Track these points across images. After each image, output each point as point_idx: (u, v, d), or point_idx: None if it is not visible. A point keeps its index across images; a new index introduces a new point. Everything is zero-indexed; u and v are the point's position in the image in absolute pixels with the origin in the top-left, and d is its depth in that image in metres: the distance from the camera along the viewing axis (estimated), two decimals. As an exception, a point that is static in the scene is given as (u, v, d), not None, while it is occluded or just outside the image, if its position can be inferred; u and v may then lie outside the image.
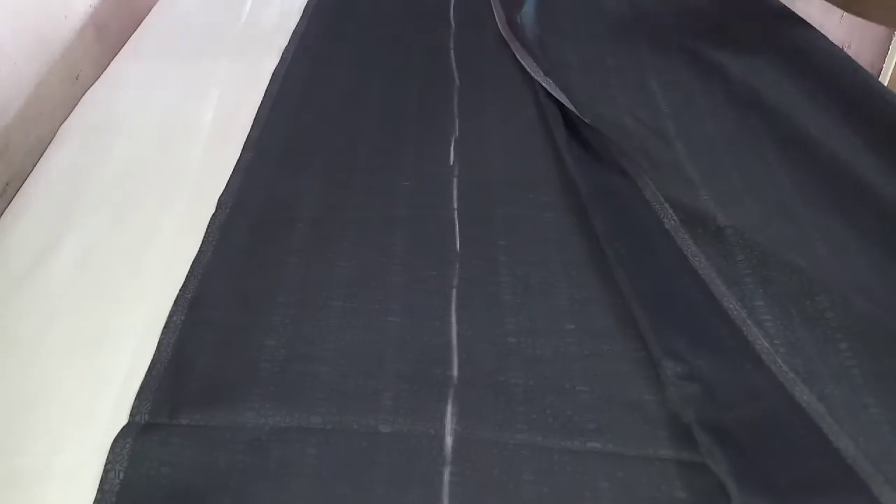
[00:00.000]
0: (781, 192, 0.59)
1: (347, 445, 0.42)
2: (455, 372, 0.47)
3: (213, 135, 0.70)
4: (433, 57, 0.82)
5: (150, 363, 0.48)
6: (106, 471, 0.41)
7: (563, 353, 0.48)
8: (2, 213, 0.64)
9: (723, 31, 0.83)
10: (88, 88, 0.79)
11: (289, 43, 0.85)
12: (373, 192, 0.62)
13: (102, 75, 0.81)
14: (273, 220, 0.59)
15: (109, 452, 0.42)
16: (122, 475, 0.41)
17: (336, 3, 0.95)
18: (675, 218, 0.55)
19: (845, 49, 0.93)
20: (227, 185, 0.63)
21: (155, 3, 0.98)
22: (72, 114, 0.75)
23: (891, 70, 0.87)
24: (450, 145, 0.67)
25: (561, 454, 0.42)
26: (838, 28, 0.95)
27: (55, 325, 0.51)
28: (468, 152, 0.66)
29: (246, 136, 0.69)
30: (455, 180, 0.63)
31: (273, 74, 0.79)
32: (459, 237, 0.57)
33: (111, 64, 0.84)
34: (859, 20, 0.90)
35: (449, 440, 0.43)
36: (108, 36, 0.95)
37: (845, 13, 0.93)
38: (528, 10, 0.88)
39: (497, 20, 0.87)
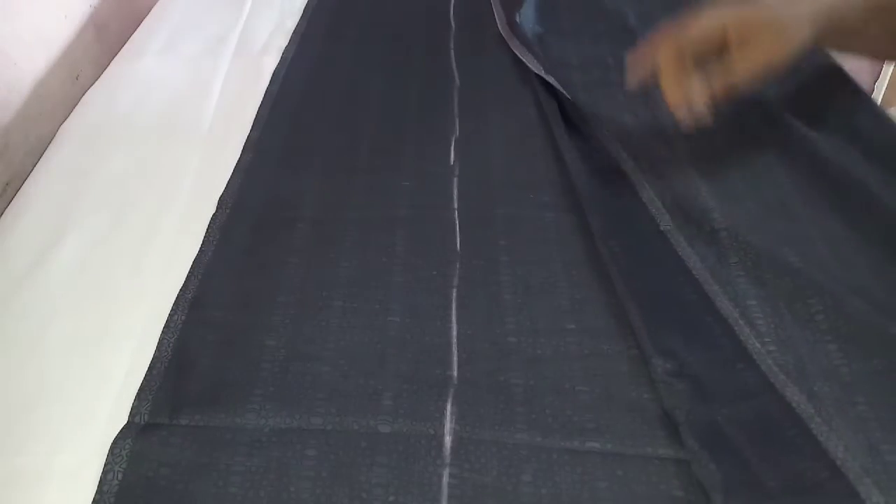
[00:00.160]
0: (781, 190, 0.59)
1: (347, 446, 0.42)
2: (455, 372, 0.47)
3: (213, 135, 0.70)
4: (433, 57, 0.82)
5: (150, 363, 0.48)
6: (105, 471, 0.41)
7: (564, 352, 0.48)
8: (2, 213, 0.64)
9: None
10: (88, 88, 0.79)
11: (289, 43, 0.85)
12: (373, 192, 0.62)
13: (102, 75, 0.81)
14: (274, 220, 0.59)
15: (109, 453, 0.42)
16: (120, 476, 0.41)
17: (336, 3, 0.95)
18: (671, 221, 0.56)
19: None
20: (227, 185, 0.63)
21: (155, 3, 0.98)
22: (72, 114, 0.75)
23: (891, 70, 0.88)
24: (450, 145, 0.67)
25: (560, 454, 0.42)
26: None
27: (55, 325, 0.51)
28: (469, 152, 0.66)
29: (246, 136, 0.69)
30: (455, 180, 0.63)
31: (273, 74, 0.79)
32: (460, 237, 0.57)
33: (111, 64, 0.83)
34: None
35: (448, 440, 0.43)
36: (108, 36, 0.95)
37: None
38: (528, 10, 0.88)
39: (497, 20, 0.87)
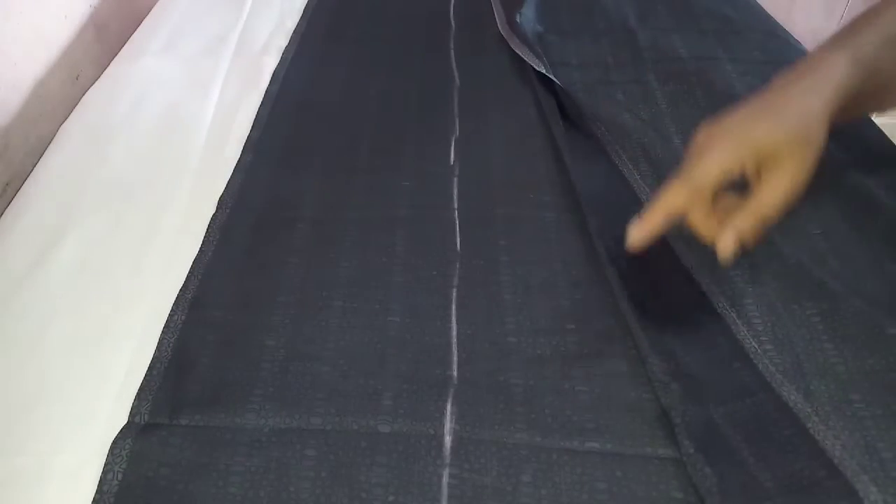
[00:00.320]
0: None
1: (347, 446, 0.42)
2: (455, 372, 0.47)
3: (213, 135, 0.70)
4: (433, 57, 0.82)
5: (150, 363, 0.48)
6: (105, 471, 0.41)
7: (564, 352, 0.48)
8: (2, 213, 0.64)
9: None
10: (88, 88, 0.79)
11: (289, 43, 0.85)
12: (373, 192, 0.62)
13: (102, 75, 0.81)
14: (274, 220, 0.59)
15: (109, 453, 0.42)
16: (120, 476, 0.41)
17: (336, 3, 0.95)
18: None
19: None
20: (227, 185, 0.63)
21: (155, 3, 0.98)
22: (72, 114, 0.75)
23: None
24: (450, 145, 0.67)
25: (560, 454, 0.42)
26: (838, 28, 0.95)
27: (55, 325, 0.51)
28: (469, 152, 0.66)
29: (246, 136, 0.69)
30: (455, 180, 0.63)
31: (273, 74, 0.79)
32: (460, 237, 0.57)
33: (111, 64, 0.83)
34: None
35: (448, 440, 0.43)
36: (108, 36, 0.95)
37: (845, 14, 0.93)
38: (528, 10, 0.88)
39: (497, 19, 0.87)
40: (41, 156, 0.70)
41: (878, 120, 0.68)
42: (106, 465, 0.41)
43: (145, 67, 0.82)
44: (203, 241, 0.57)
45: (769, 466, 0.40)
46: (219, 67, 0.81)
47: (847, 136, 0.62)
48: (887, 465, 0.39)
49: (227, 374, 0.47)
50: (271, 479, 0.41)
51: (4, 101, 0.74)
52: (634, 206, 0.59)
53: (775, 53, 0.80)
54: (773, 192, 0.44)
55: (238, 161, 0.66)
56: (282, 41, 0.86)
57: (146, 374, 0.47)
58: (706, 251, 0.53)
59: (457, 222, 0.58)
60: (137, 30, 0.91)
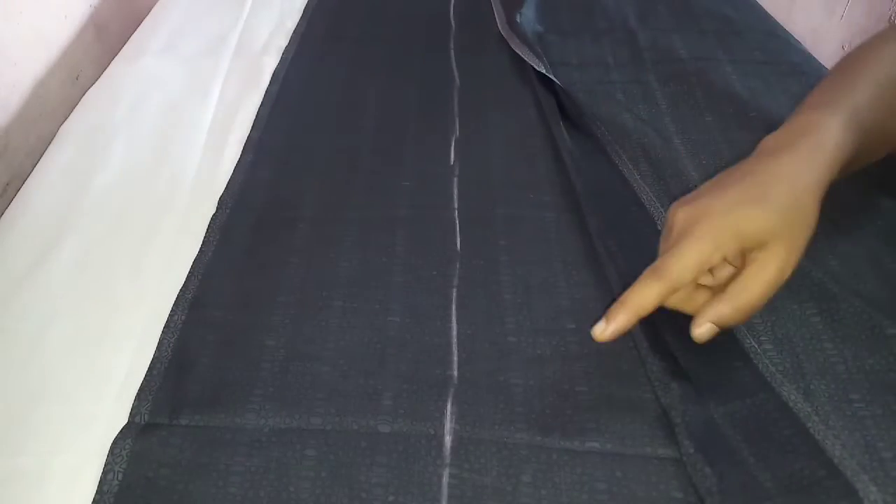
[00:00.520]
0: None
1: (347, 446, 0.42)
2: (455, 371, 0.47)
3: (213, 135, 0.71)
4: (433, 57, 0.82)
5: (151, 363, 0.48)
6: (105, 472, 0.41)
7: (564, 352, 0.48)
8: (2, 214, 0.64)
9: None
10: (88, 89, 0.79)
11: (289, 43, 0.85)
12: (373, 192, 0.62)
13: (102, 75, 0.81)
14: (274, 220, 0.59)
15: (109, 453, 0.42)
16: (120, 476, 0.41)
17: (336, 3, 0.95)
18: None
19: (843, 49, 0.93)
20: (227, 185, 0.63)
21: (155, 3, 0.98)
22: (72, 114, 0.75)
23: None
24: (450, 145, 0.67)
25: (560, 454, 0.42)
26: (838, 28, 0.95)
27: (55, 325, 0.51)
28: (469, 152, 0.66)
29: (246, 136, 0.69)
30: (455, 180, 0.63)
31: (273, 74, 0.79)
32: (460, 237, 0.57)
33: (111, 64, 0.83)
34: (859, 20, 0.90)
35: (448, 440, 0.43)
36: (108, 36, 0.95)
37: (844, 14, 0.93)
38: (528, 9, 0.88)
39: (497, 19, 0.87)
40: (41, 156, 0.70)
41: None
42: (106, 465, 0.41)
43: (145, 67, 0.82)
44: (203, 241, 0.57)
45: (769, 466, 0.40)
46: (219, 67, 0.81)
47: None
48: (887, 465, 0.39)
49: (227, 374, 0.47)
50: (271, 479, 0.41)
51: (4, 101, 0.74)
52: (634, 206, 0.59)
53: (775, 53, 0.81)
54: (758, 281, 0.40)
55: (238, 161, 0.66)
56: (282, 41, 0.86)
57: (146, 375, 0.47)
58: None
59: (457, 222, 0.58)
60: (137, 30, 0.91)
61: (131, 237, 0.59)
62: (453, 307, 0.51)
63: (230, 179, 0.63)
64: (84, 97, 0.78)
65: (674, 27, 0.86)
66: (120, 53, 0.86)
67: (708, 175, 0.61)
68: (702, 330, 0.41)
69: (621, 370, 0.46)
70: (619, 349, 0.48)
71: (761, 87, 0.73)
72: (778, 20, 0.90)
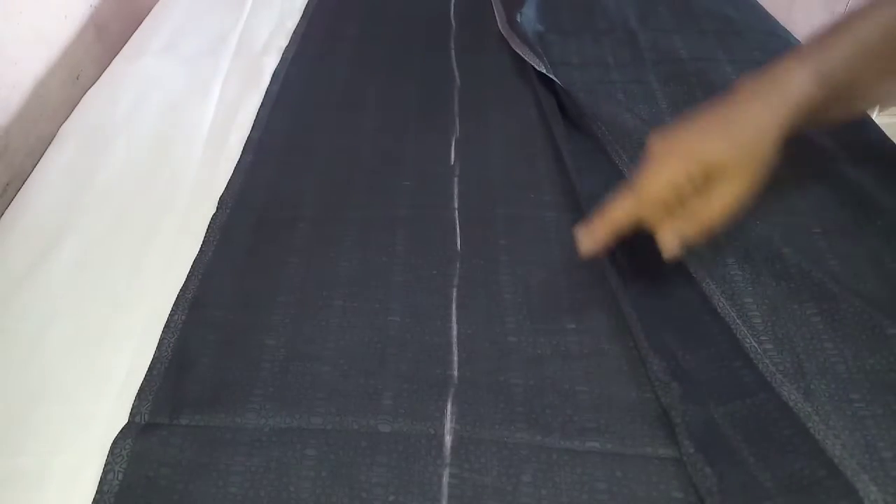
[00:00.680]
0: (780, 185, 0.59)
1: (347, 446, 0.42)
2: (455, 371, 0.47)
3: (213, 135, 0.70)
4: (433, 56, 0.82)
5: (151, 363, 0.48)
6: (105, 471, 0.41)
7: (564, 352, 0.48)
8: (2, 214, 0.64)
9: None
10: (89, 89, 0.79)
11: (289, 43, 0.85)
12: (374, 192, 0.62)
13: (102, 75, 0.81)
14: (274, 220, 0.59)
15: (109, 453, 0.42)
16: (121, 476, 0.41)
17: (336, 3, 0.95)
18: None
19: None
20: (227, 184, 0.63)
21: (155, 3, 0.98)
22: (72, 114, 0.75)
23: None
24: (450, 145, 0.67)
25: (560, 454, 0.42)
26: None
27: (55, 325, 0.51)
28: (469, 152, 0.66)
29: (246, 136, 0.69)
30: (456, 180, 0.63)
31: (273, 74, 0.79)
32: (460, 237, 0.57)
33: (111, 64, 0.83)
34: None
35: (448, 440, 0.43)
36: (108, 36, 0.95)
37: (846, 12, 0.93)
38: (528, 9, 0.88)
39: (497, 19, 0.87)
40: (41, 156, 0.70)
41: (879, 120, 0.68)
42: (106, 465, 0.41)
43: (145, 67, 0.82)
44: (203, 241, 0.57)
45: (769, 466, 0.40)
46: (219, 67, 0.81)
47: (847, 135, 0.62)
48: (887, 465, 0.39)
49: (228, 374, 0.47)
50: (271, 479, 0.41)
51: (4, 101, 0.74)
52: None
53: (775, 53, 0.80)
54: (717, 203, 0.46)
55: (238, 161, 0.66)
56: (282, 41, 0.86)
57: (146, 374, 0.47)
58: (705, 249, 0.53)
59: (457, 222, 0.58)
60: (138, 30, 0.91)
61: (131, 237, 0.59)
62: (453, 307, 0.51)
63: (230, 179, 0.63)
64: (84, 97, 0.78)
65: (674, 27, 0.85)
66: (120, 53, 0.86)
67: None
68: (666, 238, 0.47)
69: (621, 370, 0.46)
70: (618, 349, 0.48)
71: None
72: (778, 20, 0.90)
